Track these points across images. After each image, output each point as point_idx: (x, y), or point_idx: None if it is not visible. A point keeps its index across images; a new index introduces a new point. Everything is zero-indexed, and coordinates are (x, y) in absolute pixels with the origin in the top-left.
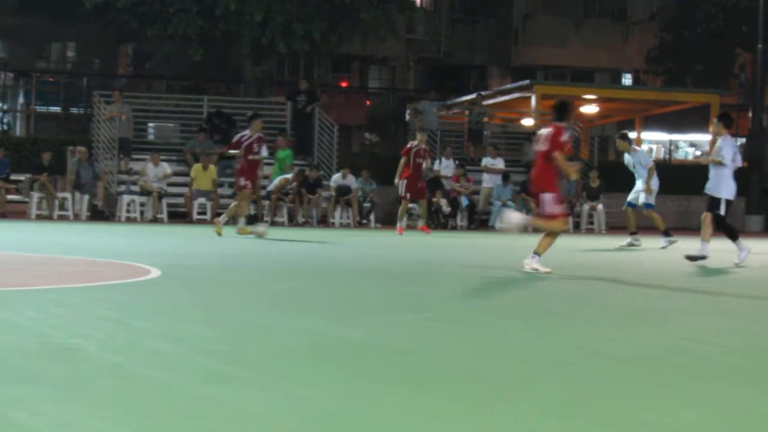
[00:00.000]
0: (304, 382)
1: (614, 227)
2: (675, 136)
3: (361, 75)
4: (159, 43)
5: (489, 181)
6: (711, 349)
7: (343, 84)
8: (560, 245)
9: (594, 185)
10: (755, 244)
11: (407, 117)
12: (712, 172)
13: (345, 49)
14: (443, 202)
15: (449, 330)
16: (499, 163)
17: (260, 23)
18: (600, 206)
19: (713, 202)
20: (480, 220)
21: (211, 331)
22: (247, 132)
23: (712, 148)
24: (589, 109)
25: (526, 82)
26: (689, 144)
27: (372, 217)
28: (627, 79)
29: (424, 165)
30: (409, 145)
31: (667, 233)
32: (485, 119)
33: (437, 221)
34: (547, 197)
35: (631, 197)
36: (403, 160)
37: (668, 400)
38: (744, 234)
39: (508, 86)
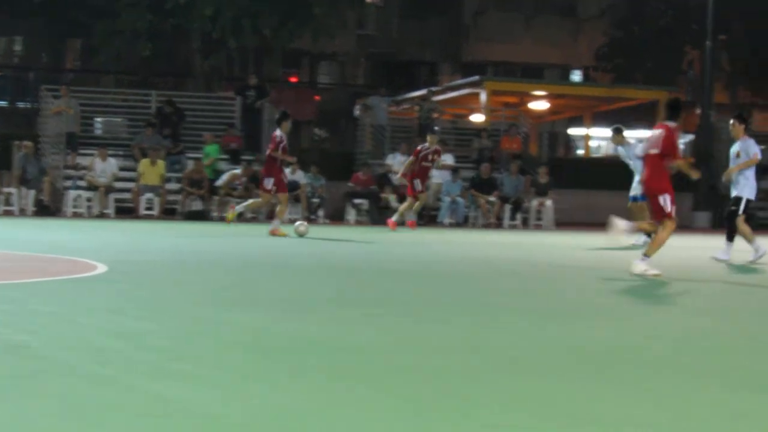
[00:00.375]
0: (251, 377)
1: (562, 223)
2: (624, 133)
3: (310, 70)
4: (108, 37)
5: (438, 177)
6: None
7: (293, 79)
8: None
9: (543, 181)
10: (702, 240)
11: (356, 112)
12: (734, 175)
13: (295, 44)
14: (392, 197)
15: (404, 326)
16: (449, 159)
17: (211, 17)
18: (548, 202)
19: (735, 201)
20: (429, 216)
21: (157, 326)
22: (281, 133)
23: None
24: (539, 106)
25: (476, 77)
26: (638, 140)
27: (320, 212)
28: (577, 76)
29: (434, 164)
30: (419, 147)
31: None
32: (435, 115)
33: (386, 217)
34: (667, 198)
35: (633, 192)
36: (411, 160)
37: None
38: (691, 230)
39: (458, 82)
